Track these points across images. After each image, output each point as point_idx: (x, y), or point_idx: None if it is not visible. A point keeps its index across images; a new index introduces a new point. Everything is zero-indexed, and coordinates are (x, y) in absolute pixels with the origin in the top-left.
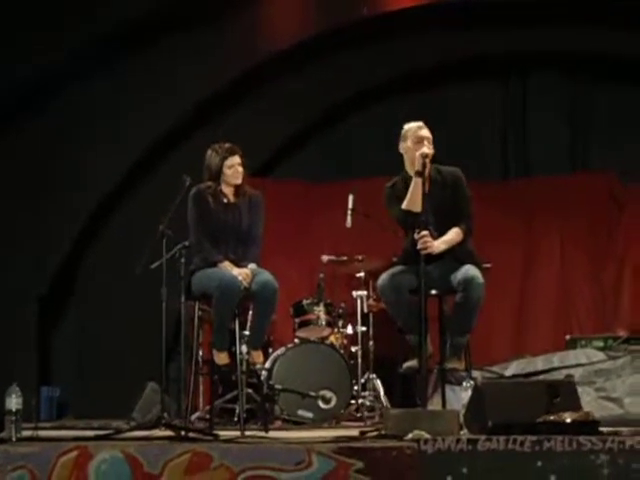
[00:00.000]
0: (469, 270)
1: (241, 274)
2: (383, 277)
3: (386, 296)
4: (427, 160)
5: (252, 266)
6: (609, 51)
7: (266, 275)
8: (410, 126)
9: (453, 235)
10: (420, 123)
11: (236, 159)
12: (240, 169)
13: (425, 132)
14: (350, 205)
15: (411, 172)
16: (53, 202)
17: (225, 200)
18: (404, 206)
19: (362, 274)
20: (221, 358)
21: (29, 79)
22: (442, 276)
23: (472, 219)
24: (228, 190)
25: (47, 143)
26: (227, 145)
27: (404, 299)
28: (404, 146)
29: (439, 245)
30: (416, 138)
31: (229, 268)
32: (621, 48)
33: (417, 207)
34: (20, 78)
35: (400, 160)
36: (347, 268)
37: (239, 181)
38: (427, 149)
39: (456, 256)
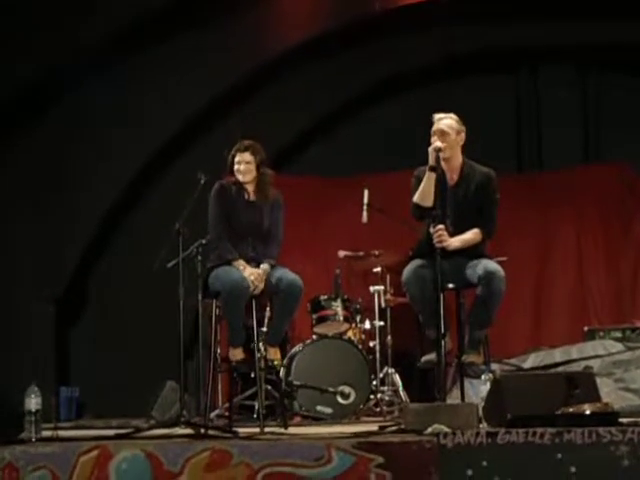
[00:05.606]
0: (489, 264)
1: (252, 274)
2: (407, 271)
3: (411, 291)
4: (440, 154)
5: (265, 266)
6: (620, 42)
7: (291, 275)
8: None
9: (472, 235)
10: (439, 115)
11: (245, 156)
12: (249, 167)
13: (437, 125)
14: (365, 200)
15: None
16: (68, 202)
17: (247, 197)
18: (415, 199)
19: (379, 269)
20: (235, 354)
21: (33, 80)
22: (454, 270)
23: (495, 223)
24: (250, 187)
25: (61, 144)
26: (247, 142)
27: (429, 294)
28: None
29: (454, 242)
30: (432, 132)
31: (242, 267)
32: (633, 39)
33: (428, 202)
34: (24, 79)
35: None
36: (364, 263)
37: (246, 178)
38: (438, 143)
39: (468, 254)
